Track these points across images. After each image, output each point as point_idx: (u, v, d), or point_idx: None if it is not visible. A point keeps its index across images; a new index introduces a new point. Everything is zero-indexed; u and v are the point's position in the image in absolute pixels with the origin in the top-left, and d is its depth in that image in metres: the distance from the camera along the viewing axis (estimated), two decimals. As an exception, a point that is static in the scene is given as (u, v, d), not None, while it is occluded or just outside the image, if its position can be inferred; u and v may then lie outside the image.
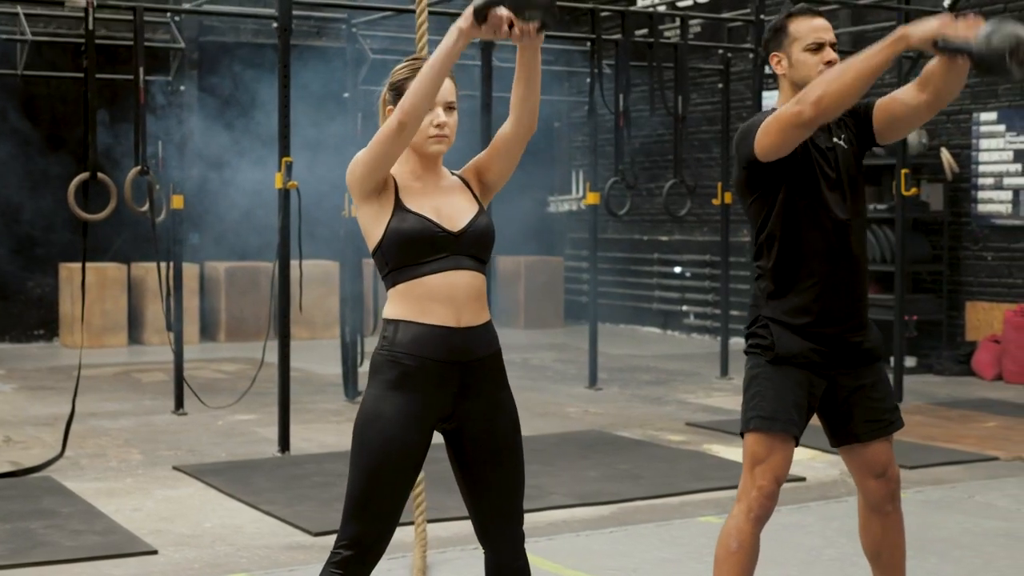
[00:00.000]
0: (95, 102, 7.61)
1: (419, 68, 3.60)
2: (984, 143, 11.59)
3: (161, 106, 10.05)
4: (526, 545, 5.24)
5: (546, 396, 10.30)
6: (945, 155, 11.68)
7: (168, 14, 9.40)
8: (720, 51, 10.96)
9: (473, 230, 3.60)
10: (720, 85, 10.84)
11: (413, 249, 3.54)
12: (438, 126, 3.59)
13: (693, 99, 14.38)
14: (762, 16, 9.57)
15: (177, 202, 9.12)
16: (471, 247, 3.59)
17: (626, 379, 11.31)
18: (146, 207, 8.16)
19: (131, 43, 11.77)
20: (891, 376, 9.99)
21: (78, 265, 13.47)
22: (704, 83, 14.23)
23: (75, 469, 7.41)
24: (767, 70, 13.44)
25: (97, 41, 10.99)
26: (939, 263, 11.86)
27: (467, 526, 3.70)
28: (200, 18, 13.42)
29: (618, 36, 9.75)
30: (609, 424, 8.97)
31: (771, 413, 3.97)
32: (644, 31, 10.33)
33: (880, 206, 11.67)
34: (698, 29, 14.10)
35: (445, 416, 3.59)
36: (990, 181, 11.55)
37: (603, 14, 9.93)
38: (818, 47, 3.97)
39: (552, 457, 7.69)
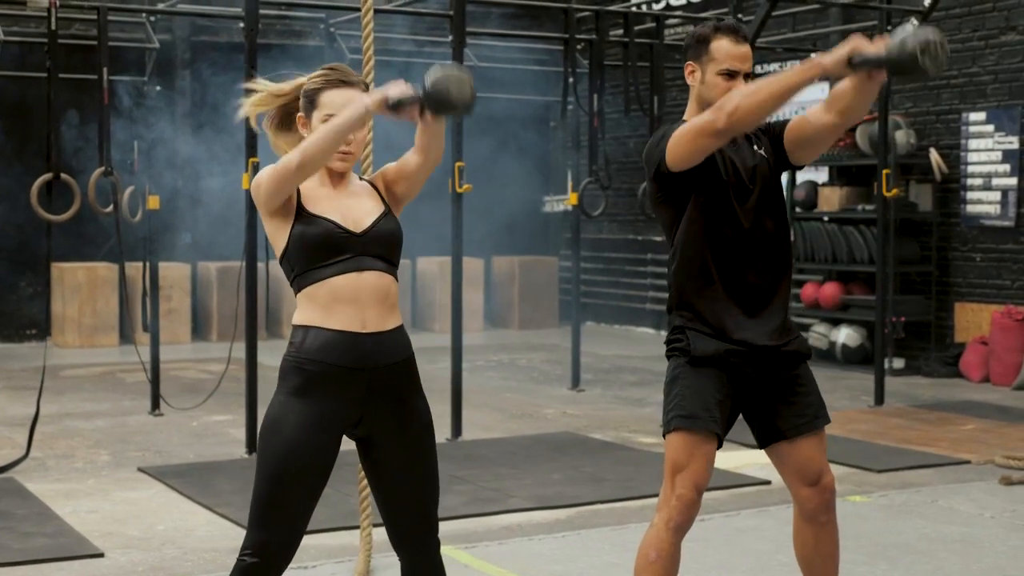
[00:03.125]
0: (59, 103, 7.59)
1: (332, 79, 3.62)
2: (973, 143, 11.49)
3: (132, 107, 10.03)
4: (477, 548, 5.20)
5: (526, 397, 10.27)
6: (934, 155, 11.60)
7: (143, 14, 9.32)
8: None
9: (377, 230, 3.59)
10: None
11: (316, 252, 3.53)
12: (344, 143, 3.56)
13: (686, 98, 14.33)
14: (740, 16, 9.49)
15: (153, 203, 9.11)
16: (375, 247, 3.57)
17: (610, 380, 11.26)
18: (110, 208, 8.13)
19: (114, 44, 11.82)
20: (872, 378, 9.93)
21: (70, 265, 13.53)
22: (697, 83, 14.14)
23: (40, 470, 7.40)
24: (758, 69, 13.41)
25: (76, 41, 11.07)
26: (928, 264, 11.77)
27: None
28: (192, 17, 13.42)
29: (594, 36, 9.69)
30: (584, 426, 8.92)
31: (692, 412, 3.92)
32: (620, 31, 10.26)
33: (868, 207, 11.60)
34: (691, 27, 14.01)
35: (353, 422, 3.57)
36: (979, 182, 11.46)
37: (582, 14, 9.86)
38: (731, 75, 3.92)
39: (519, 460, 7.66)
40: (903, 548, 5.80)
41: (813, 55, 3.78)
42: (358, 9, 9.62)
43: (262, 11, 12.43)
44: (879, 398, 9.74)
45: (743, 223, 3.95)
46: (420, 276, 15.42)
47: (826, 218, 12.14)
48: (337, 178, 3.65)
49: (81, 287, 13.49)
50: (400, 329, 3.61)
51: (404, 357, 3.60)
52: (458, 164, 8.30)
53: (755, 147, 4.03)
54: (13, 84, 12.79)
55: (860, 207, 11.80)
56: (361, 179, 3.74)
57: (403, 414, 3.59)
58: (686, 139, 3.83)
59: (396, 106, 3.39)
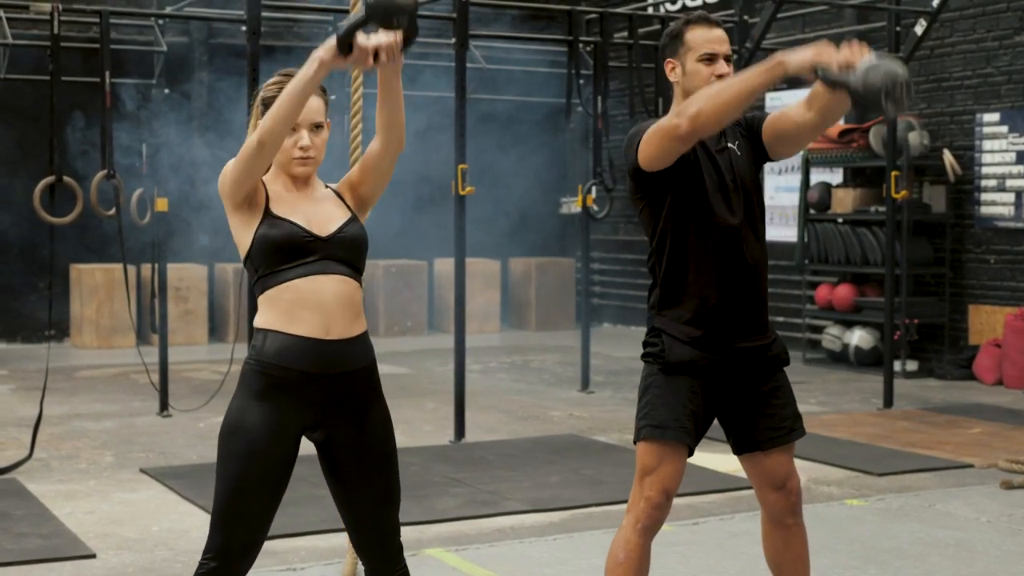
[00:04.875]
0: (63, 106, 7.65)
1: (285, 85, 3.60)
2: (987, 144, 11.43)
3: (140, 110, 10.09)
4: (468, 550, 5.20)
5: (534, 399, 10.27)
6: (947, 157, 11.53)
7: (152, 18, 9.37)
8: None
9: (343, 235, 3.58)
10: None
11: (280, 253, 3.51)
12: (302, 148, 3.58)
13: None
14: (746, 17, 9.47)
15: (161, 205, 9.16)
16: (340, 251, 3.57)
17: (621, 382, 11.24)
18: (113, 211, 8.19)
19: (127, 47, 11.93)
20: (881, 381, 9.89)
21: (88, 266, 13.62)
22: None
23: (44, 471, 7.45)
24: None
25: (90, 45, 11.14)
26: (942, 266, 11.71)
27: (402, 533, 3.71)
28: (208, 19, 13.48)
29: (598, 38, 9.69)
30: (589, 428, 8.92)
31: (662, 422, 3.92)
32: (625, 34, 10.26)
33: (881, 208, 11.53)
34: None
35: (313, 425, 3.58)
36: (993, 183, 11.40)
37: (589, 16, 9.87)
38: (711, 58, 3.93)
39: (519, 462, 7.66)
40: (895, 552, 5.77)
41: (777, 53, 3.76)
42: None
43: (270, 14, 12.54)
44: (888, 400, 9.69)
45: (727, 223, 3.92)
46: (437, 277, 15.44)
47: (840, 220, 12.09)
48: (301, 183, 3.65)
49: (99, 288, 13.57)
50: (364, 335, 3.61)
51: (366, 364, 3.61)
52: (461, 167, 8.30)
53: (734, 144, 4.01)
54: (29, 87, 12.88)
55: (873, 209, 11.75)
56: (327, 186, 3.74)
57: (362, 420, 3.59)
58: (654, 142, 3.82)
59: (346, 38, 3.23)
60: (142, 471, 7.44)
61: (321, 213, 3.61)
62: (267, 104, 3.62)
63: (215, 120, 13.05)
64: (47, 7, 7.63)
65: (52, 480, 7.20)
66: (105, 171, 7.95)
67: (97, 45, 10.76)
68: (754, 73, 3.66)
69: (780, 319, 13.21)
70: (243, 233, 3.57)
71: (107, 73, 7.86)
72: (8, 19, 10.69)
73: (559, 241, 16.48)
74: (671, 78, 4.03)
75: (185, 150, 9.62)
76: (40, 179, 13.29)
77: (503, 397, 10.37)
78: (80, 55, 12.03)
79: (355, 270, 3.61)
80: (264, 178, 3.63)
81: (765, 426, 4.03)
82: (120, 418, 9.28)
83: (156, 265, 9.36)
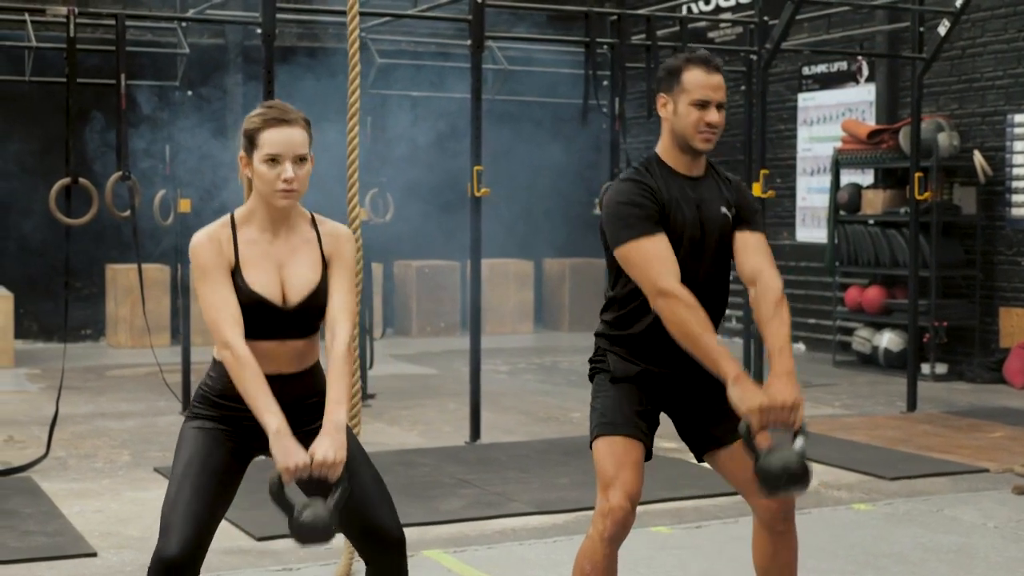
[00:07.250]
0: (85, 109, 7.75)
1: (269, 118, 3.60)
2: (1018, 145, 11.30)
3: (168, 112, 10.18)
4: (466, 552, 5.18)
5: (557, 400, 10.28)
6: (978, 158, 11.41)
7: (175, 21, 9.47)
8: (743, 53, 10.82)
9: (308, 305, 3.64)
10: (743, 87, 10.70)
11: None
12: (285, 181, 3.58)
13: (735, 100, 14.23)
14: (766, 18, 9.42)
15: (184, 206, 9.25)
16: (302, 320, 3.66)
17: (646, 384, 11.21)
18: (128, 212, 8.29)
19: (153, 50, 12.03)
20: (905, 383, 9.80)
21: (123, 266, 13.77)
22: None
23: (60, 469, 7.54)
24: (801, 71, 13.30)
25: (111, 48, 11.23)
26: (972, 268, 11.59)
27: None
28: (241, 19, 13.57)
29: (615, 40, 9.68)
30: (606, 430, 8.90)
31: (612, 419, 3.98)
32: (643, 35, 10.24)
33: (907, 210, 11.43)
34: (740, 30, 13.93)
35: (257, 448, 3.68)
36: (1024, 184, 11.28)
37: (612, 18, 9.86)
38: (704, 104, 3.88)
39: (531, 463, 7.67)
40: (895, 557, 5.73)
41: (740, 374, 3.78)
42: (387, 14, 9.76)
43: (292, 16, 12.60)
44: (911, 403, 9.61)
45: (694, 277, 3.93)
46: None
47: (870, 221, 12.00)
48: (282, 219, 3.66)
49: (133, 288, 13.68)
50: (312, 369, 3.73)
51: (312, 398, 3.70)
52: (476, 168, 8.32)
53: (723, 198, 3.99)
54: (57, 90, 13.01)
55: (903, 210, 11.64)
56: (313, 221, 3.72)
57: (314, 436, 3.63)
58: (631, 268, 3.86)
59: (276, 489, 3.45)
60: (156, 470, 7.51)
61: (293, 272, 3.65)
62: (249, 136, 3.62)
63: (235, 121, 13.13)
64: (63, 10, 7.73)
65: (66, 479, 7.29)
66: (120, 172, 8.05)
67: (130, 48, 10.94)
68: (713, 359, 3.73)
69: (810, 321, 13.14)
70: None
71: (122, 75, 7.95)
72: (36, 22, 10.80)
73: (593, 241, 16.42)
74: (661, 113, 3.98)
75: (208, 152, 9.69)
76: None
77: (526, 398, 10.38)
78: (112, 58, 12.12)
79: (313, 329, 3.70)
80: (236, 217, 3.66)
81: (725, 420, 4.01)
82: (143, 417, 9.37)
83: (179, 266, 9.45)
